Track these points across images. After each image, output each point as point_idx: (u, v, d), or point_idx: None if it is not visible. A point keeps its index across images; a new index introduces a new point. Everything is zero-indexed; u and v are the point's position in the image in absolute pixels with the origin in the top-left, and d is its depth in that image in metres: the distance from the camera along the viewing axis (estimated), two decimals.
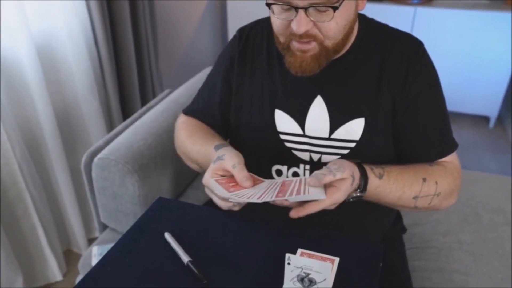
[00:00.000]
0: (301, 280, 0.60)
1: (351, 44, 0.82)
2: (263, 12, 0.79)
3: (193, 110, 0.98)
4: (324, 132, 0.83)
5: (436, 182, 0.80)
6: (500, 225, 1.16)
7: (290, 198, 0.66)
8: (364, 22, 0.84)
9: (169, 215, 0.78)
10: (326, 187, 0.70)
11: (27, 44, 1.25)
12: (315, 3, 0.68)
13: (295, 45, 0.74)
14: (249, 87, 0.89)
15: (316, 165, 0.84)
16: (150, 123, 1.20)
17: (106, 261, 0.69)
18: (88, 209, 1.64)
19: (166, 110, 1.27)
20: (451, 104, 2.46)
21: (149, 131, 1.17)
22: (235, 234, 0.74)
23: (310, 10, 0.69)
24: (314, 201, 0.68)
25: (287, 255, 0.62)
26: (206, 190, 0.74)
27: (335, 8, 0.69)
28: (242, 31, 0.92)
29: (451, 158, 0.86)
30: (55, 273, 1.53)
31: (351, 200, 0.75)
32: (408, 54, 0.81)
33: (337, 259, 0.66)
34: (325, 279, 0.60)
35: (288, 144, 0.85)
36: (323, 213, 0.75)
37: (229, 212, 0.74)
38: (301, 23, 0.69)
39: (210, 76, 0.97)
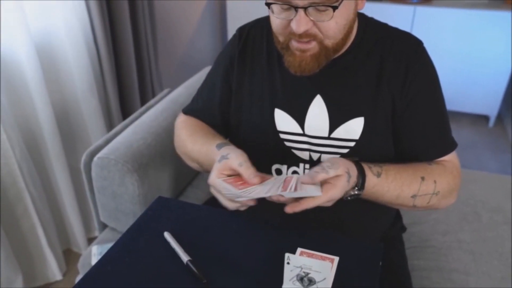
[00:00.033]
0: (301, 279, 0.60)
1: (350, 44, 0.82)
2: (263, 11, 0.79)
3: (193, 109, 0.98)
4: (324, 131, 0.83)
5: (435, 181, 0.80)
6: (500, 224, 1.16)
7: (286, 194, 0.66)
8: (364, 21, 0.84)
9: (169, 215, 0.78)
10: (322, 184, 0.70)
11: (26, 43, 1.25)
12: (315, 3, 0.68)
13: (294, 44, 0.74)
14: (249, 87, 0.88)
15: (315, 165, 0.84)
16: (150, 123, 1.20)
17: (106, 261, 0.69)
18: (87, 209, 1.64)
19: (166, 109, 1.27)
20: (451, 103, 2.47)
21: (149, 130, 1.17)
22: (235, 234, 0.74)
23: (310, 9, 0.69)
24: (310, 197, 0.68)
25: (287, 254, 0.62)
26: (212, 190, 0.74)
27: (334, 8, 0.68)
28: (241, 30, 0.92)
29: (451, 157, 0.85)
30: (54, 272, 1.53)
31: (349, 198, 0.75)
32: (408, 53, 0.81)
33: (336, 259, 0.66)
34: (324, 279, 0.60)
35: (287, 144, 0.86)
36: (323, 212, 0.75)
37: (228, 211, 0.74)
38: (300, 23, 0.69)
39: (209, 75, 0.97)
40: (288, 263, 0.61)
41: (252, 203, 0.71)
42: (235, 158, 0.73)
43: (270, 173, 0.88)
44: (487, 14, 2.25)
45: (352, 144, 0.82)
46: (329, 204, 0.70)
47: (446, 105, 0.86)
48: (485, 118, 2.64)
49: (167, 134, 1.17)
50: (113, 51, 1.63)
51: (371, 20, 0.86)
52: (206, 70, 1.45)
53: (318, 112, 0.83)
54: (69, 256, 1.65)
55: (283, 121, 0.85)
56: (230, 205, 0.72)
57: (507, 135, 2.49)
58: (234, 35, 0.92)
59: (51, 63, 1.42)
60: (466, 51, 2.37)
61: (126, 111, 1.78)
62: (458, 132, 2.51)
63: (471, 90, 2.47)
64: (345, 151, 0.83)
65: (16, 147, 1.29)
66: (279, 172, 0.88)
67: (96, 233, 1.61)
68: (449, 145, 0.85)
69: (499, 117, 2.63)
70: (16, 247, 1.40)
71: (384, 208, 0.86)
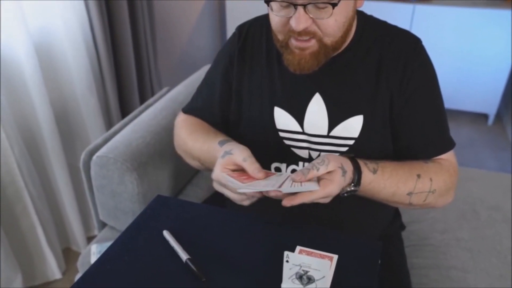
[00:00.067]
0: (300, 277, 0.60)
1: (349, 42, 0.82)
2: (262, 10, 0.79)
3: (193, 108, 0.98)
4: (323, 129, 0.83)
5: (431, 179, 0.80)
6: (498, 222, 1.17)
7: (284, 189, 0.66)
8: (363, 19, 0.84)
9: (168, 213, 0.78)
10: (319, 180, 0.70)
11: (25, 42, 1.25)
12: (314, 0, 0.68)
13: (293, 42, 0.74)
14: (248, 85, 0.88)
15: None
16: (149, 121, 1.20)
17: (105, 259, 0.69)
18: (87, 207, 1.64)
19: (165, 108, 1.27)
20: (450, 102, 2.47)
21: (148, 129, 1.17)
22: (234, 232, 0.74)
23: (309, 7, 0.69)
24: (308, 191, 0.68)
25: (286, 252, 0.62)
26: (215, 185, 0.74)
27: (334, 5, 0.68)
28: (241, 28, 0.92)
29: (448, 156, 0.85)
30: (54, 271, 1.53)
31: (345, 194, 0.75)
32: (406, 51, 0.81)
33: (335, 257, 0.66)
34: (323, 277, 0.60)
35: (287, 142, 0.86)
36: (322, 210, 0.75)
37: (227, 210, 0.74)
38: (300, 20, 0.69)
39: (209, 73, 0.97)
40: (287, 261, 0.61)
41: (258, 195, 0.71)
42: (239, 153, 0.73)
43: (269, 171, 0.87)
44: (487, 13, 2.25)
45: (351, 142, 0.82)
46: (327, 200, 0.70)
47: (445, 103, 0.86)
48: (484, 116, 2.64)
49: (166, 133, 1.17)
50: (112, 49, 1.63)
51: (370, 18, 0.86)
52: (206, 68, 1.45)
53: (317, 110, 0.83)
54: (68, 255, 1.66)
55: (283, 119, 0.85)
56: (237, 198, 0.71)
57: (506, 133, 2.50)
58: (234, 33, 0.92)
59: (50, 62, 1.42)
60: (465, 49, 2.37)
61: (125, 109, 1.78)
62: (457, 130, 2.51)
63: (470, 89, 2.47)
64: (344, 149, 0.83)
65: (15, 146, 1.29)
66: (278, 170, 0.88)
67: (96, 231, 1.60)
68: (447, 144, 0.85)
69: (498, 115, 2.63)
70: (15, 246, 1.40)
71: (383, 207, 0.86)
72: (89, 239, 1.69)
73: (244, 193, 0.70)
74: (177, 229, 0.73)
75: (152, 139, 1.14)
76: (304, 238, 0.71)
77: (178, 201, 0.87)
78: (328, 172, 0.70)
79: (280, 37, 0.76)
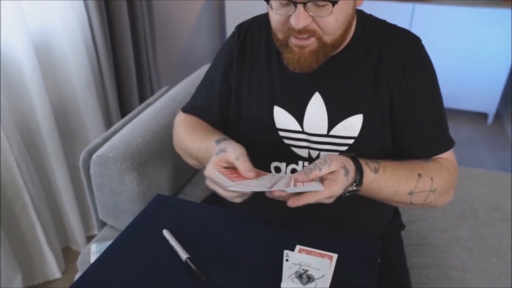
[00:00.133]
0: (300, 276, 0.60)
1: (349, 40, 0.81)
2: (261, 9, 0.79)
3: (192, 107, 0.98)
4: (323, 128, 0.83)
5: (432, 178, 0.80)
6: (498, 221, 1.17)
7: (289, 189, 0.66)
8: (362, 18, 0.84)
9: (168, 212, 0.78)
10: (322, 180, 0.70)
11: (24, 41, 1.25)
12: None
13: (293, 41, 0.74)
14: (248, 84, 0.88)
15: None
16: (148, 121, 1.20)
17: (105, 259, 0.69)
18: (86, 207, 1.64)
19: (164, 107, 1.26)
20: (450, 101, 2.47)
21: (147, 128, 1.17)
22: (234, 231, 0.74)
23: (309, 5, 0.69)
24: (312, 192, 0.68)
25: (285, 251, 0.62)
26: (207, 182, 0.74)
27: (334, 3, 0.68)
28: (240, 27, 0.92)
29: (448, 155, 0.86)
30: (53, 270, 1.53)
31: (347, 194, 0.75)
32: (406, 50, 0.81)
33: (335, 256, 0.66)
34: (323, 276, 0.60)
35: (287, 141, 0.85)
36: (322, 209, 0.75)
37: (227, 209, 0.74)
38: (300, 18, 0.69)
39: (208, 73, 0.97)
40: (287, 260, 0.61)
41: (250, 192, 0.71)
42: (233, 152, 0.73)
43: (269, 170, 0.87)
44: (486, 12, 2.25)
45: (351, 141, 0.82)
46: (330, 200, 0.70)
47: (445, 102, 0.86)
48: (484, 115, 2.64)
49: (165, 132, 1.17)
50: (111, 49, 1.63)
51: (370, 17, 0.86)
52: (205, 68, 1.45)
53: (316, 109, 0.83)
54: (68, 254, 1.65)
55: (282, 118, 0.85)
56: (228, 195, 0.72)
57: (506, 132, 2.50)
58: (233, 33, 0.92)
59: (49, 61, 1.42)
60: (465, 48, 2.37)
61: (124, 109, 1.78)
62: (456, 130, 2.51)
63: (469, 88, 2.47)
64: (344, 148, 0.83)
65: (15, 145, 1.29)
66: (278, 169, 0.87)
67: (95, 231, 1.61)
68: (447, 143, 0.85)
69: (498, 115, 2.63)
70: (15, 245, 1.40)
71: (383, 206, 0.86)
72: (89, 238, 1.69)
73: (234, 191, 0.70)
74: (176, 229, 0.73)
75: (151, 138, 1.14)
76: (303, 237, 0.71)
77: (177, 200, 0.87)
78: (331, 172, 0.70)
79: (279, 35, 0.76)
